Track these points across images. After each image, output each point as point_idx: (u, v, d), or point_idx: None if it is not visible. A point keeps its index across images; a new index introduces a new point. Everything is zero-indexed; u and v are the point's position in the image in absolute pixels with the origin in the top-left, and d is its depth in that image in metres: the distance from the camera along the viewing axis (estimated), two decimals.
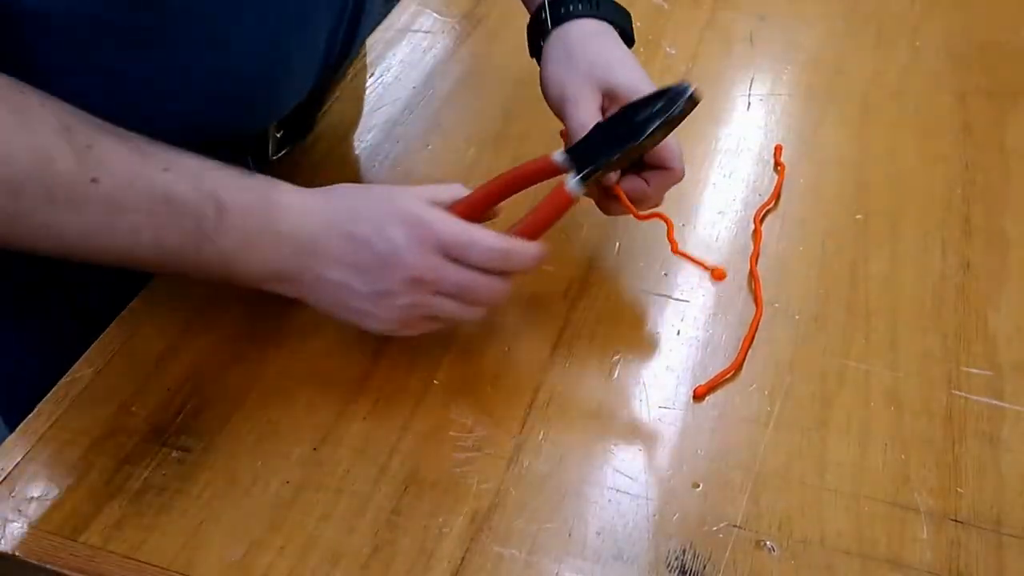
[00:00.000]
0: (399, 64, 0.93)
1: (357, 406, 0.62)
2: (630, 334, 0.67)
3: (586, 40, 0.68)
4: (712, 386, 0.63)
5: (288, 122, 0.78)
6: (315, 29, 0.70)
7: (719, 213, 0.76)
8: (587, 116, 0.65)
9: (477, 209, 0.63)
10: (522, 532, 0.56)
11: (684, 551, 0.55)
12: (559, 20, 0.69)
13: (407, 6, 1.02)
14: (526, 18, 0.74)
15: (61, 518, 0.56)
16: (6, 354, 0.79)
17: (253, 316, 0.68)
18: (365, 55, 0.94)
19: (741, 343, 0.65)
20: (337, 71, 0.81)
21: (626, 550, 0.55)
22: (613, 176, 0.64)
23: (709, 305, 0.69)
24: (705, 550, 0.55)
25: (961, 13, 0.98)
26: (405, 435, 0.61)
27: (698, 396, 0.63)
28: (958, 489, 0.57)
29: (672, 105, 0.60)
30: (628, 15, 0.72)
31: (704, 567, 0.54)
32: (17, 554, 0.55)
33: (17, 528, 0.56)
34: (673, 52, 0.94)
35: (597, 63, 0.67)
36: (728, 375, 0.64)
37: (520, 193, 0.64)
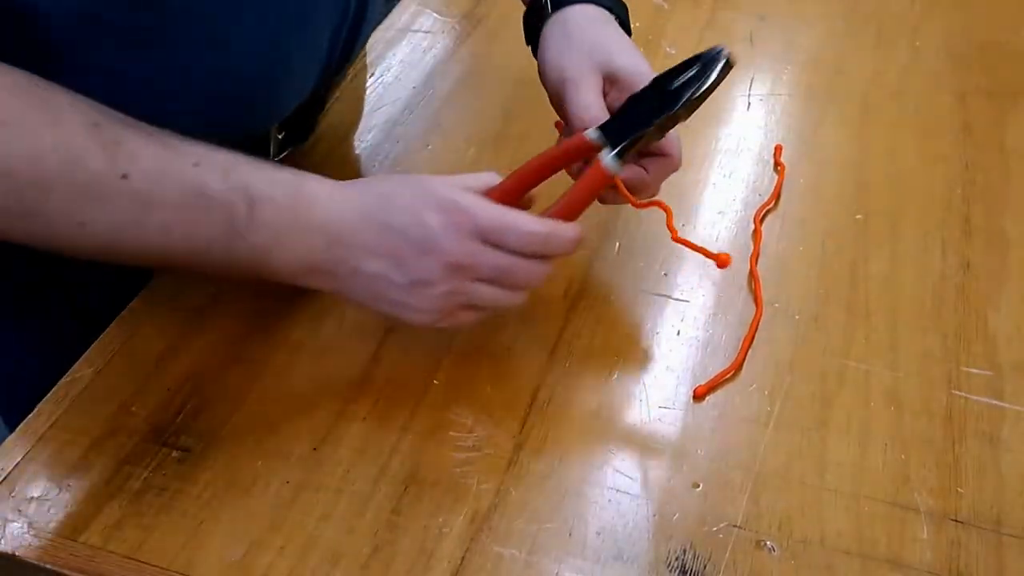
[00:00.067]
0: (399, 64, 0.93)
1: (357, 406, 0.62)
2: (630, 334, 0.67)
3: (586, 24, 0.68)
4: (712, 386, 0.63)
5: (290, 123, 0.78)
6: (316, 29, 0.70)
7: (719, 213, 0.76)
8: (589, 97, 0.64)
9: (511, 196, 0.61)
10: (522, 532, 0.56)
11: (684, 551, 0.55)
12: (559, 5, 0.69)
13: (407, 6, 1.02)
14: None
15: (61, 518, 0.56)
16: (6, 354, 0.79)
17: (253, 316, 0.68)
18: (365, 55, 0.94)
19: (741, 343, 0.65)
20: (339, 72, 0.81)
21: (626, 550, 0.55)
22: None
23: (709, 305, 0.69)
24: (705, 550, 0.55)
25: (961, 13, 0.98)
26: (405, 435, 0.61)
27: (698, 396, 0.63)
28: (958, 489, 0.57)
29: (706, 71, 0.58)
30: (626, 7, 0.72)
31: (704, 567, 0.54)
32: (17, 554, 0.55)
33: (17, 528, 0.56)
34: (673, 52, 0.94)
35: (597, 46, 0.66)
36: (728, 375, 0.64)
37: (551, 179, 0.63)
